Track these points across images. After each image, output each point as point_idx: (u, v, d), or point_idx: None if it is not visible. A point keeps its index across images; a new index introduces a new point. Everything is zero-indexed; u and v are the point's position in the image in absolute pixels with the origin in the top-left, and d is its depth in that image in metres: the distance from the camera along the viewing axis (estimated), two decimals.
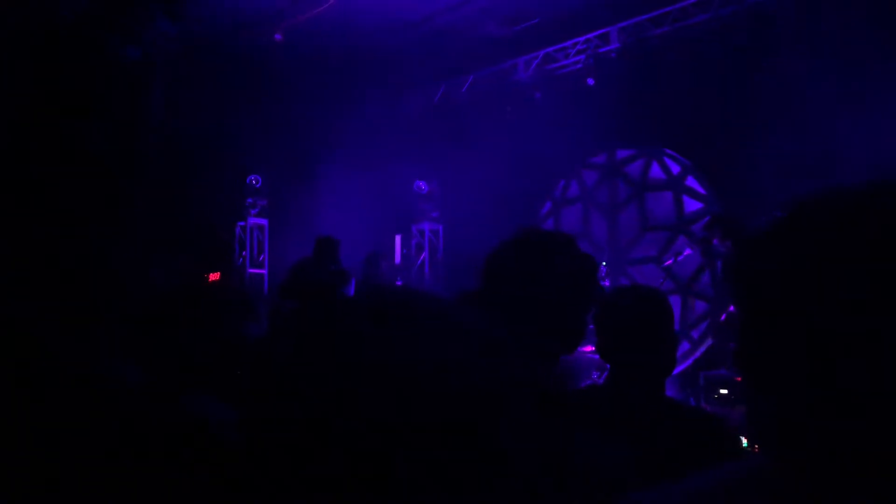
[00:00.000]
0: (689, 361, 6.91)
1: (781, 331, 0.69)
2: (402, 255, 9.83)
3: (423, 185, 9.92)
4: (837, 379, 0.65)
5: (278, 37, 7.93)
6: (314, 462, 0.59)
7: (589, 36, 7.91)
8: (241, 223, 9.20)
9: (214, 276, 8.50)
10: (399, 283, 9.23)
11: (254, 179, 9.10)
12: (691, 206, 7.51)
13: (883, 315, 0.64)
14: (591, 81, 7.81)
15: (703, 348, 7.10)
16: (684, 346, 7.01)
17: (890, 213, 0.68)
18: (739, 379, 5.00)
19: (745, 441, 3.65)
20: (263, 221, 9.23)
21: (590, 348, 6.45)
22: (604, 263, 7.01)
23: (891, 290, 0.64)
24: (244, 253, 9.18)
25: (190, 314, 1.95)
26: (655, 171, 7.85)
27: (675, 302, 7.01)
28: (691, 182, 7.54)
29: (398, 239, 9.81)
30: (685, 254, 5.55)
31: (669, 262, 6.20)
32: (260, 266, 9.11)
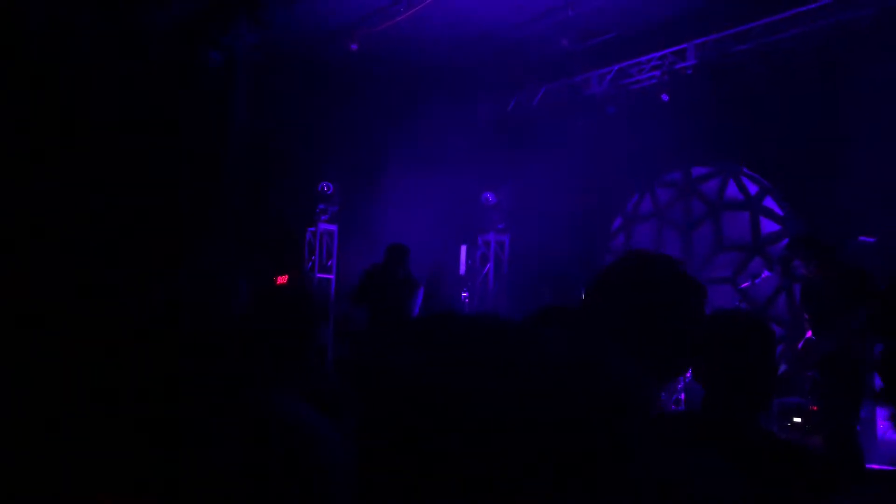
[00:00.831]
0: None
1: None
2: (467, 266, 9.84)
3: (490, 196, 9.91)
4: None
5: (354, 46, 8.08)
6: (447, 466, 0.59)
7: (665, 52, 7.79)
8: (312, 228, 9.39)
9: (282, 280, 8.70)
10: (464, 294, 9.25)
11: (325, 186, 9.28)
12: (768, 227, 7.28)
13: None
14: (665, 97, 7.68)
15: (777, 373, 6.85)
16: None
17: None
18: (815, 408, 4.81)
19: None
20: (333, 227, 9.40)
21: None
22: None
23: None
24: (313, 258, 9.36)
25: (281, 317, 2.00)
26: (732, 190, 7.65)
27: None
28: (769, 203, 7.32)
29: (464, 249, 9.83)
30: (763, 276, 5.37)
31: (746, 283, 6.00)
32: (328, 271, 9.27)
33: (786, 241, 5.77)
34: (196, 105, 7.03)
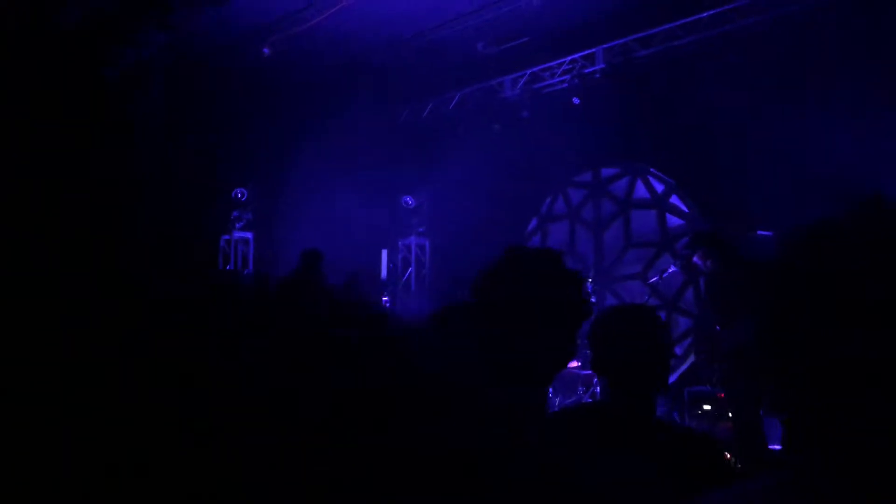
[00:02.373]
0: (674, 377, 6.96)
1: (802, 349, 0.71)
2: (389, 270, 9.84)
3: (410, 200, 9.95)
4: (860, 397, 0.68)
5: (266, 51, 7.95)
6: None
7: (575, 56, 8.02)
8: (226, 236, 9.18)
9: None
10: (385, 298, 9.24)
11: (239, 193, 9.09)
12: (675, 223, 7.60)
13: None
14: (576, 101, 7.91)
15: (686, 364, 7.16)
16: (670, 368, 7.06)
17: None
18: (722, 395, 5.04)
19: (729, 456, 3.69)
20: (248, 235, 9.21)
21: (575, 364, 6.48)
22: (590, 280, 7.06)
23: None
24: (228, 266, 9.14)
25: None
26: (640, 189, 7.95)
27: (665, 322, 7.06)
28: (675, 200, 7.64)
29: (384, 253, 9.82)
30: (670, 271, 5.61)
31: (655, 278, 6.25)
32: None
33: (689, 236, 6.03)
34: (101, 111, 6.76)
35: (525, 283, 1.35)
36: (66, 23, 6.13)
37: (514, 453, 1.09)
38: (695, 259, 5.07)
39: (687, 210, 7.51)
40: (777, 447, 4.59)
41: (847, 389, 0.70)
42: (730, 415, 5.08)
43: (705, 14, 6.80)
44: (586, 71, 7.93)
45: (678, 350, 7.31)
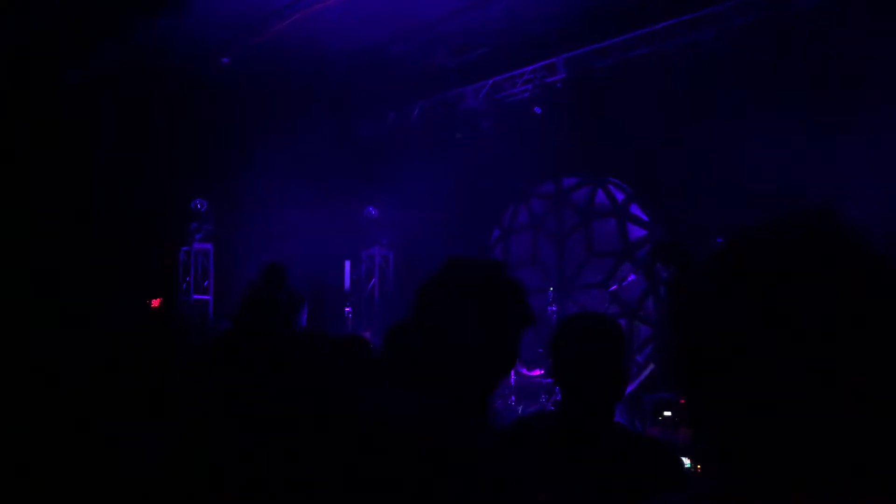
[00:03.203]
0: (635, 385, 7.03)
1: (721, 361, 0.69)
2: (352, 281, 9.77)
3: (373, 211, 9.91)
4: (781, 403, 0.66)
5: (226, 60, 7.87)
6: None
7: (536, 66, 8.09)
8: (186, 248, 9.03)
9: (156, 303, 8.29)
10: (348, 309, 9.17)
11: (199, 203, 8.95)
12: (636, 232, 7.70)
13: (827, 343, 0.64)
14: (538, 110, 7.97)
15: (647, 371, 7.23)
16: (629, 373, 7.13)
17: (829, 241, 0.70)
18: (683, 402, 5.10)
19: (687, 462, 3.73)
20: (208, 246, 9.07)
21: (538, 372, 6.51)
22: (551, 289, 7.10)
23: (837, 318, 0.65)
24: (188, 278, 8.99)
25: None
26: (601, 198, 8.03)
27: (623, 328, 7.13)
28: (635, 209, 7.73)
29: (347, 265, 9.75)
30: (630, 279, 5.67)
31: (615, 287, 6.31)
32: (205, 292, 8.93)
33: (650, 244, 6.11)
34: (56, 123, 6.62)
35: (462, 293, 1.35)
36: (20, 38, 6.00)
37: (455, 466, 1.08)
38: (656, 267, 5.13)
39: (647, 219, 7.61)
40: None
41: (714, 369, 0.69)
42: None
43: (659, 26, 6.92)
44: (548, 80, 8.00)
45: (639, 358, 7.39)
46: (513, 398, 6.62)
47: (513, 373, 6.25)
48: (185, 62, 7.85)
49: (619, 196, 7.86)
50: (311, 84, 8.32)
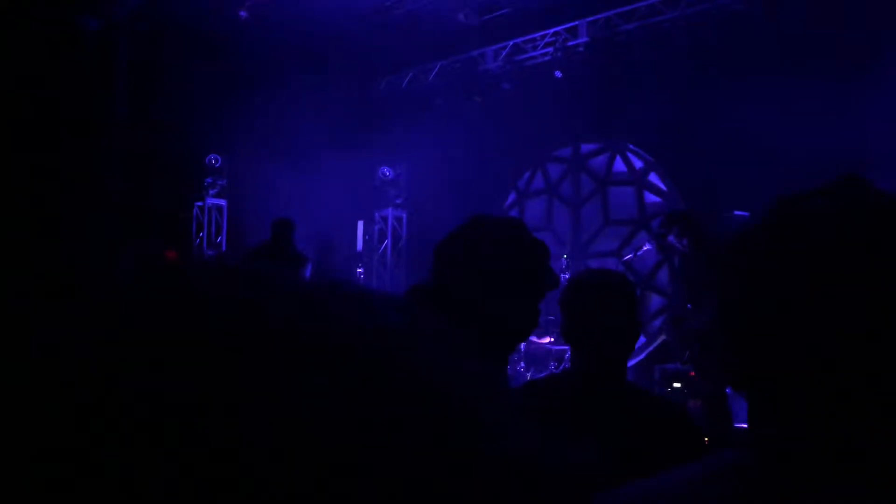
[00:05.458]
0: (644, 354, 7.02)
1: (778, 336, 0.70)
2: (365, 242, 9.76)
3: (388, 171, 9.85)
4: (834, 384, 0.67)
5: (244, 14, 7.77)
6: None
7: (558, 28, 7.93)
8: (200, 203, 9.03)
9: (172, 255, 8.33)
10: (359, 269, 9.18)
11: (213, 159, 8.92)
12: (652, 201, 7.61)
13: (881, 320, 0.66)
14: (558, 74, 7.84)
15: (658, 342, 7.21)
16: (640, 339, 7.11)
17: (873, 208, 0.71)
18: (693, 374, 5.08)
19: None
20: (222, 202, 9.07)
21: (547, 340, 6.50)
22: (565, 256, 7.06)
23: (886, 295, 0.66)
24: (202, 234, 9.01)
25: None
26: (619, 165, 7.92)
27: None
28: (653, 178, 7.63)
29: (360, 225, 9.73)
30: (645, 249, 5.62)
31: (629, 256, 6.26)
32: (218, 248, 8.96)
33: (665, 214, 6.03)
34: (72, 73, 6.58)
35: (484, 250, 1.31)
36: None
37: (476, 430, 1.06)
38: (670, 238, 5.08)
39: (665, 188, 7.51)
40: (743, 426, 4.65)
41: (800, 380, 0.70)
42: (698, 392, 5.13)
43: None
44: (569, 44, 7.85)
45: (651, 328, 7.36)
46: (522, 364, 6.63)
47: None
48: (202, 16, 7.75)
49: (638, 164, 7.75)
50: (329, 41, 8.21)
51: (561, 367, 6.30)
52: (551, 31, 7.99)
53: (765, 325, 0.71)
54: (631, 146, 7.77)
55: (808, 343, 0.68)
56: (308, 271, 6.18)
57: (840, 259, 0.68)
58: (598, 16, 7.53)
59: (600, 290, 1.81)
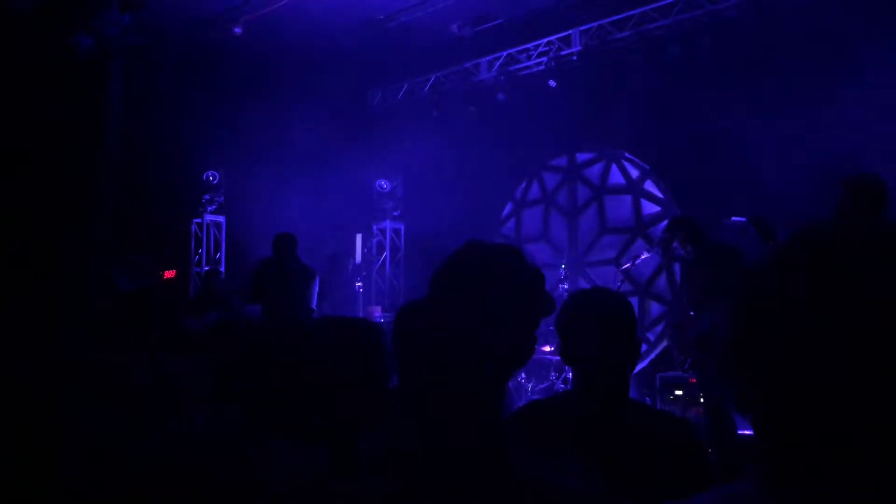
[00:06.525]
0: (646, 363, 7.00)
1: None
2: (363, 254, 9.76)
3: (384, 184, 9.86)
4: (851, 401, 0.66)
5: (238, 30, 7.80)
6: None
7: (551, 38, 7.96)
8: (198, 220, 9.02)
9: (170, 274, 8.32)
10: (358, 283, 9.17)
11: (210, 175, 8.92)
12: (649, 209, 7.61)
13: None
14: (552, 83, 7.86)
15: (658, 350, 7.20)
16: (641, 347, 7.10)
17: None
18: (694, 380, 5.05)
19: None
20: (220, 218, 9.07)
21: (548, 348, 6.48)
22: (563, 266, 7.05)
23: None
24: (200, 251, 9.00)
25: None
26: (615, 174, 7.93)
27: (632, 304, 7.09)
28: (650, 186, 7.64)
29: (359, 238, 9.74)
30: (643, 257, 5.61)
31: (628, 264, 6.25)
32: (216, 264, 8.94)
33: (666, 222, 6.03)
34: (67, 92, 6.59)
35: (481, 279, 1.30)
36: (22, 7, 5.94)
37: (470, 458, 1.05)
38: (674, 244, 5.07)
39: (662, 196, 7.52)
40: (747, 432, 4.63)
41: (811, 413, 0.68)
42: (701, 400, 5.11)
43: None
44: (563, 53, 7.88)
45: (651, 336, 7.35)
46: (523, 374, 6.61)
47: None
48: (197, 33, 7.78)
49: (634, 173, 7.76)
50: (324, 56, 8.24)
51: (561, 378, 6.28)
52: (544, 40, 8.03)
53: (791, 347, 0.69)
54: (627, 154, 7.79)
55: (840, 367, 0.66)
56: (317, 285, 6.16)
57: (867, 278, 0.67)
58: (591, 24, 7.56)
59: (596, 316, 1.79)
